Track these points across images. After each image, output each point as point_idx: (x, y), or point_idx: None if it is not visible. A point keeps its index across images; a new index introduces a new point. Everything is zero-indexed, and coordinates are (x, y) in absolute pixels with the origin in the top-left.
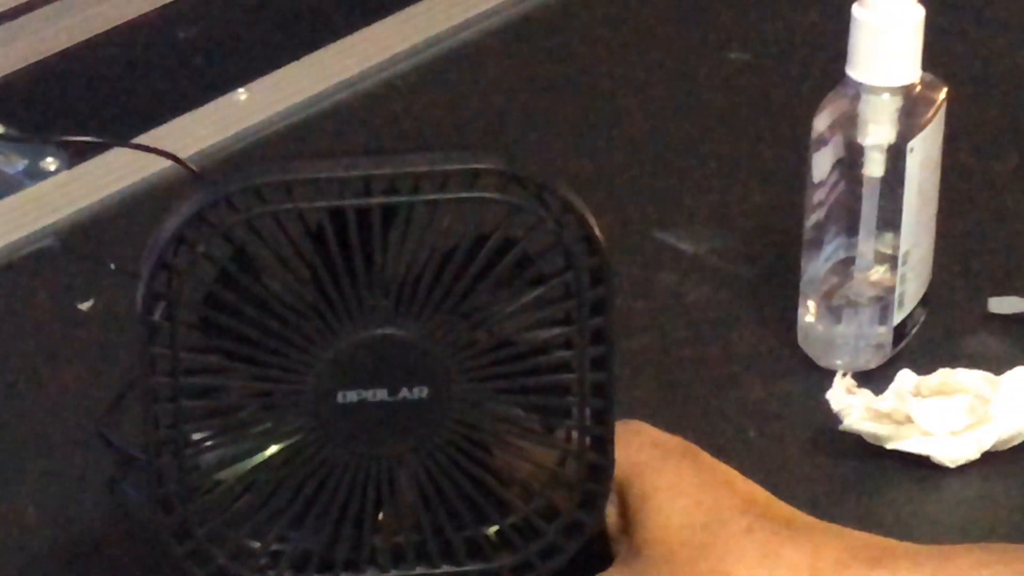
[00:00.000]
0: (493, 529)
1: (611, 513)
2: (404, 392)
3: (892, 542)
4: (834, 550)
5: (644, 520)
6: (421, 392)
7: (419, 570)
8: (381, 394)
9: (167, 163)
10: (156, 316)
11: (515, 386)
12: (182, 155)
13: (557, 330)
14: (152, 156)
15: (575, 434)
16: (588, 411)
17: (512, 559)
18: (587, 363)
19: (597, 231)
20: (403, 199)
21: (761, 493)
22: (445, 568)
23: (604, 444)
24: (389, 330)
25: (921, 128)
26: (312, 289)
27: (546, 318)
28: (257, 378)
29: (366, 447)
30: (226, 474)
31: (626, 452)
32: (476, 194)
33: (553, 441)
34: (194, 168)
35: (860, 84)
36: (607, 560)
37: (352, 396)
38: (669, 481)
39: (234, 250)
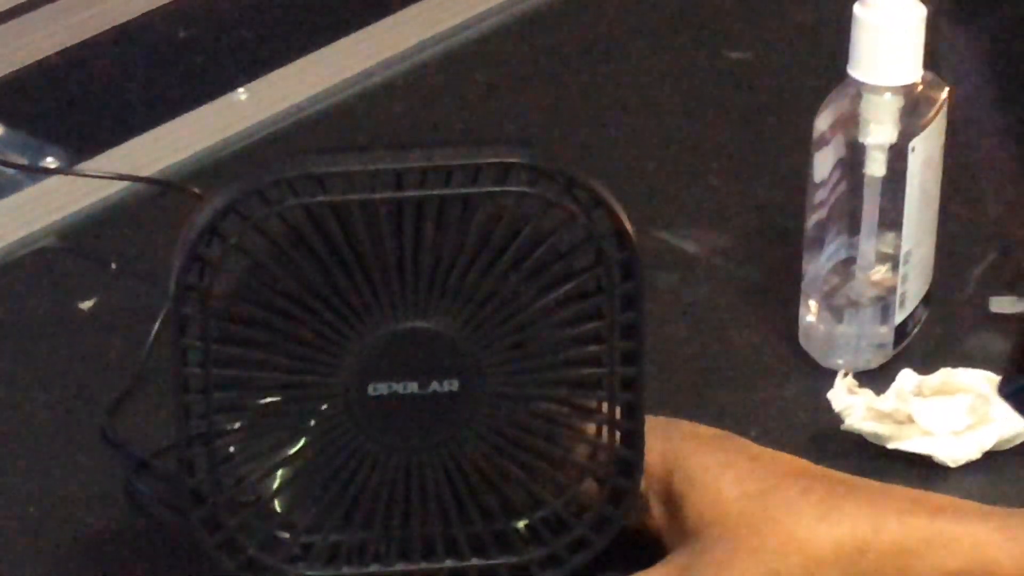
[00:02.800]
0: (522, 523)
1: (655, 508)
2: (434, 385)
3: (955, 499)
4: (896, 501)
5: (695, 501)
6: (451, 385)
7: (448, 563)
8: (411, 387)
9: (167, 163)
10: (187, 308)
11: (545, 380)
12: (182, 155)
13: (588, 325)
14: (151, 156)
15: (605, 429)
16: (618, 406)
17: (541, 553)
18: (617, 358)
19: (628, 225)
20: (435, 192)
21: (808, 462)
22: (474, 561)
23: (634, 439)
24: (420, 323)
25: (923, 128)
26: (343, 281)
27: (577, 312)
28: (288, 370)
29: (396, 439)
30: (256, 466)
31: (665, 443)
32: (507, 188)
33: (583, 436)
34: (196, 191)
35: (861, 83)
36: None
37: (382, 388)
38: (715, 459)
39: (266, 242)
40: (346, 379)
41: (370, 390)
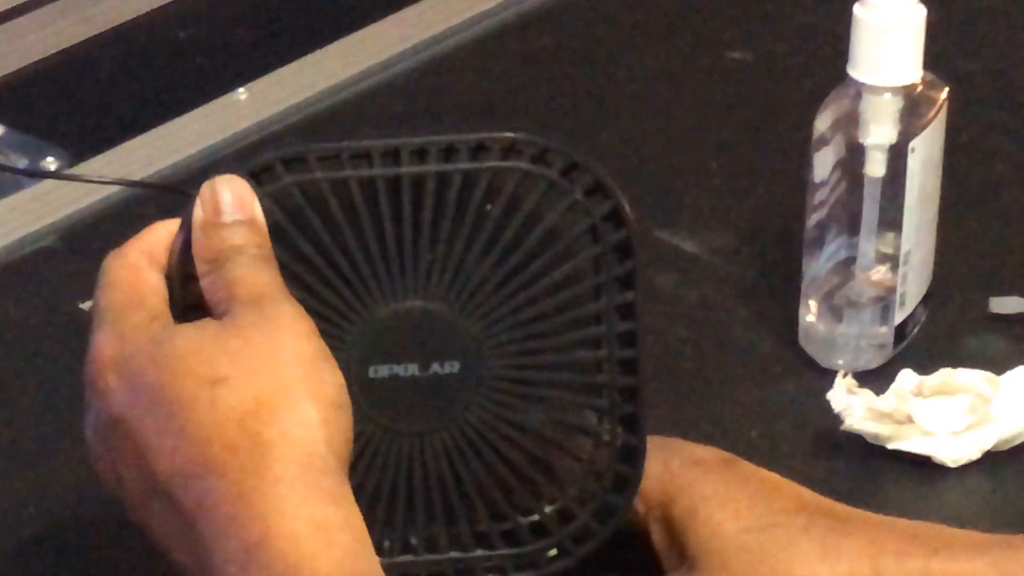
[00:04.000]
0: (526, 514)
1: (655, 531)
2: (435, 367)
3: (952, 530)
4: (894, 541)
5: (695, 532)
6: (452, 367)
7: (452, 555)
8: (412, 369)
9: (168, 163)
10: (189, 293)
11: (544, 363)
12: (182, 154)
13: (586, 306)
14: (152, 156)
15: (606, 415)
16: (618, 389)
17: (545, 543)
18: (615, 339)
19: (626, 206)
20: (433, 168)
21: (810, 494)
22: (478, 553)
23: (636, 424)
24: (419, 303)
25: (922, 128)
26: (342, 262)
27: (575, 293)
28: None
29: (398, 423)
30: None
31: (665, 470)
32: (507, 164)
33: (583, 421)
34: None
35: (861, 84)
36: None
37: (384, 371)
38: (716, 491)
39: (265, 223)
40: (347, 361)
41: (371, 372)
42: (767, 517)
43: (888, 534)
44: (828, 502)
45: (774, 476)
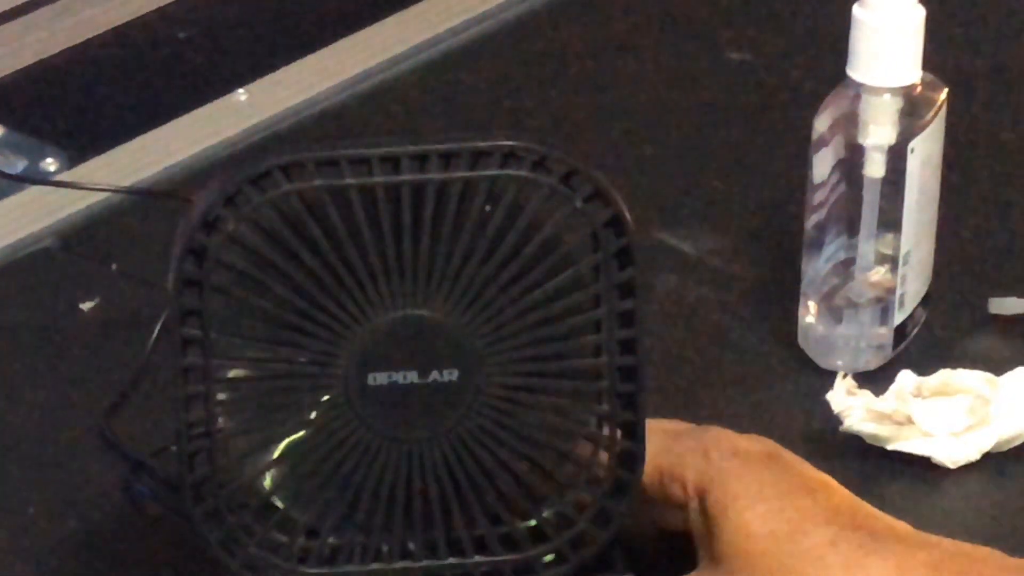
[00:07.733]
0: (525, 519)
1: (693, 516)
2: (434, 374)
3: (981, 549)
4: (920, 562)
5: (723, 528)
6: (451, 375)
7: (450, 560)
8: (411, 376)
9: (167, 164)
10: (187, 299)
11: (544, 370)
12: (182, 155)
13: (586, 313)
14: (151, 157)
15: (605, 421)
16: (618, 396)
17: (543, 549)
18: (615, 347)
19: (626, 213)
20: (433, 176)
21: (847, 499)
22: (477, 559)
23: (635, 430)
24: (418, 311)
25: (922, 128)
26: (341, 269)
27: (575, 301)
28: (288, 360)
29: (397, 431)
30: (257, 459)
31: (705, 460)
32: (507, 172)
33: (583, 428)
34: (189, 197)
35: (861, 85)
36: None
37: (382, 378)
38: (749, 489)
39: (264, 231)
40: (346, 369)
41: (370, 380)
42: (796, 523)
43: (917, 553)
44: (865, 511)
45: (816, 475)
